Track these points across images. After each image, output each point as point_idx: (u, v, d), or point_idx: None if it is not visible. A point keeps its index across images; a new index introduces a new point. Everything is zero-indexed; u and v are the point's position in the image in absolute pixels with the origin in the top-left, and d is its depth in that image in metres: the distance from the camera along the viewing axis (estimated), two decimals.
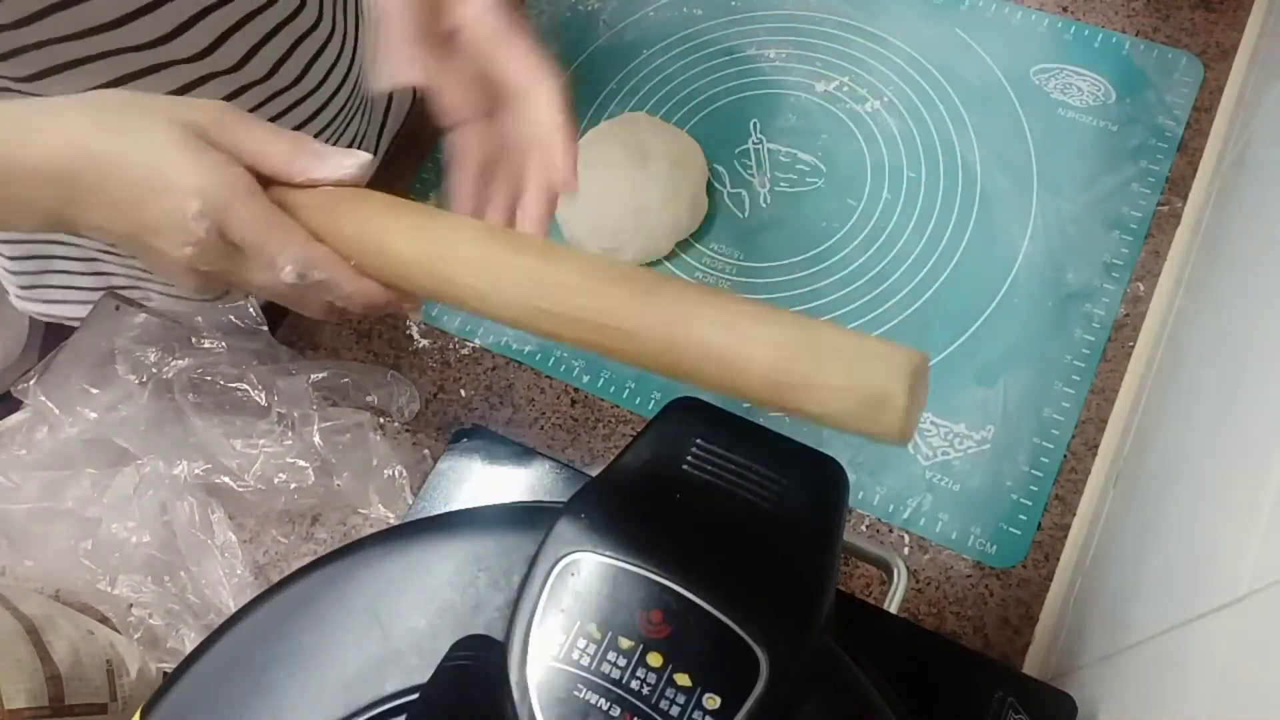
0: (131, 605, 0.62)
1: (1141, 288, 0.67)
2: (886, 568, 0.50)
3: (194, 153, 0.38)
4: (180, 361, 0.65)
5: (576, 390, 0.69)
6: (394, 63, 0.45)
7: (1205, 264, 0.60)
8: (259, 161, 0.40)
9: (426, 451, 0.67)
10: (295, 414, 0.64)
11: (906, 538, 0.62)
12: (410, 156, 0.79)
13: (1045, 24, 0.77)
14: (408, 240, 0.40)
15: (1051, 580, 0.60)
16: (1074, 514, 0.61)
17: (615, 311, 0.36)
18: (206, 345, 0.66)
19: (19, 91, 0.53)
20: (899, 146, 0.74)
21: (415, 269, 0.40)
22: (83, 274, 0.70)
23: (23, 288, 0.71)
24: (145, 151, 0.38)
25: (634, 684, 0.33)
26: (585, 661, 0.33)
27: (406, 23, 0.45)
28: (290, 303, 0.44)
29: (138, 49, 0.53)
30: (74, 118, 0.39)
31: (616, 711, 0.32)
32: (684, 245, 0.72)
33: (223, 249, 0.40)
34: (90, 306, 0.69)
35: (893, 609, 0.48)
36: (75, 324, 0.69)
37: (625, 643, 0.33)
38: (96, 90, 0.41)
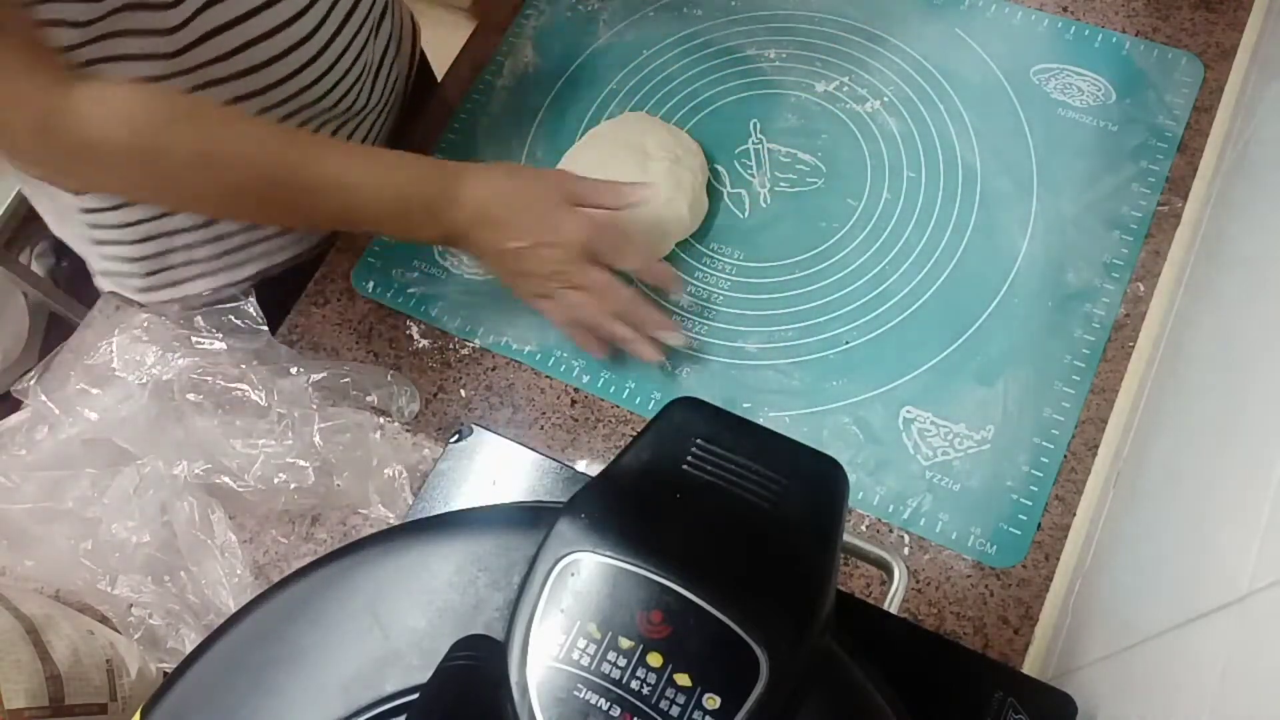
0: (131, 605, 0.62)
1: (1141, 288, 0.67)
2: (886, 568, 0.50)
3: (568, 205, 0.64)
4: (180, 361, 0.65)
5: (576, 390, 0.69)
6: None
7: (1205, 264, 0.60)
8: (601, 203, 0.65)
9: (426, 451, 0.67)
10: (295, 414, 0.64)
11: (906, 538, 0.62)
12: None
13: (1045, 24, 0.77)
14: None
15: (1051, 580, 0.60)
16: (1074, 514, 0.61)
17: None
18: (206, 345, 0.66)
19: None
20: (899, 146, 0.74)
21: None
22: (202, 244, 0.73)
23: (147, 275, 0.74)
24: (541, 200, 0.63)
25: (634, 684, 0.33)
26: (585, 661, 0.33)
27: None
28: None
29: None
30: (492, 174, 0.64)
31: (616, 711, 0.32)
32: (684, 245, 0.72)
33: (580, 264, 0.63)
34: (212, 279, 0.75)
35: (893, 609, 0.48)
36: (199, 300, 0.74)
37: (625, 643, 0.33)
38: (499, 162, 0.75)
